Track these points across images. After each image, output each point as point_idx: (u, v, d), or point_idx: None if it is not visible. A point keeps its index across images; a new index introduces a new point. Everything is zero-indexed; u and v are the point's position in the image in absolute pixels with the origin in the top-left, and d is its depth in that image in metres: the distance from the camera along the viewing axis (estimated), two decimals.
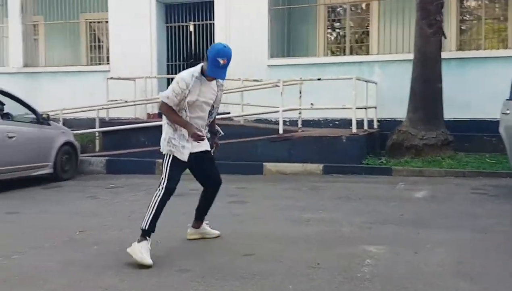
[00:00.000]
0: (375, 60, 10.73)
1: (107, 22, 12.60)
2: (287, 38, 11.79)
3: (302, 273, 3.64)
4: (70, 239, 4.80)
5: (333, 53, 12.72)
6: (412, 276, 3.54)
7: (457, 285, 3.38)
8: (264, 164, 8.80)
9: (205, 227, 4.67)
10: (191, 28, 12.19)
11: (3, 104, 8.11)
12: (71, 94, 12.11)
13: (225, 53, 3.97)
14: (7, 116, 8.05)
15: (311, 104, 9.73)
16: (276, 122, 9.49)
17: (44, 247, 4.54)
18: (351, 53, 11.93)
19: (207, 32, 11.97)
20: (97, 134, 10.90)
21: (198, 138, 4.06)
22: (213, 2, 11.52)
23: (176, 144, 4.05)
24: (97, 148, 10.82)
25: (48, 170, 8.51)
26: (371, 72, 10.54)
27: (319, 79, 9.27)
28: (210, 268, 3.80)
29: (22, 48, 12.99)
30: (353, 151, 8.70)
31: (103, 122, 11.07)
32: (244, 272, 3.69)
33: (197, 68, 4.11)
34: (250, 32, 11.17)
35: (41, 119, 8.49)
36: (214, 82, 4.19)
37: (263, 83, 10.04)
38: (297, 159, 8.75)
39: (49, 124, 8.67)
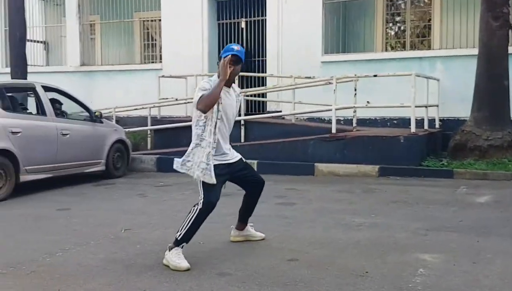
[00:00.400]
0: (437, 56, 10.26)
1: (160, 20, 12.79)
2: (342, 34, 11.52)
3: (348, 282, 3.49)
4: (115, 237, 4.87)
5: (392, 48, 12.35)
6: (469, 288, 3.32)
7: None
8: (315, 164, 8.63)
9: (249, 229, 4.61)
10: (243, 25, 12.16)
11: (61, 103, 8.40)
12: (124, 92, 12.40)
13: (237, 45, 4.13)
14: (62, 114, 8.34)
15: (367, 102, 9.49)
16: (329, 121, 9.29)
17: (89, 244, 4.62)
18: (411, 48, 11.52)
19: (259, 28, 11.90)
20: (148, 132, 11.09)
21: (230, 63, 3.92)
22: None
23: (204, 167, 3.93)
24: (148, 146, 11.02)
25: (100, 167, 8.72)
26: (432, 68, 10.14)
27: (375, 75, 9.01)
28: (251, 272, 3.72)
29: (79, 48, 13.41)
30: (412, 152, 8.36)
31: (155, 120, 11.28)
32: (287, 278, 3.58)
33: (213, 78, 4.10)
34: (303, 28, 11.00)
35: (94, 117, 8.71)
36: (231, 90, 4.16)
37: (315, 81, 9.86)
38: (351, 159, 8.52)
39: (101, 122, 8.89)
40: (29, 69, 11.86)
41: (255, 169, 8.97)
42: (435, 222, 5.17)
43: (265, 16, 11.55)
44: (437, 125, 9.82)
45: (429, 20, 11.71)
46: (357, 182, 7.75)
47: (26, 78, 11.03)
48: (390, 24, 12.44)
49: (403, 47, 11.84)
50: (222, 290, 3.40)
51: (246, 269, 3.79)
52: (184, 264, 3.80)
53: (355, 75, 9.07)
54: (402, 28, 12.39)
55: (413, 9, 12.08)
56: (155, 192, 7.53)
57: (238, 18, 12.16)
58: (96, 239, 4.78)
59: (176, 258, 3.84)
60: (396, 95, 9.13)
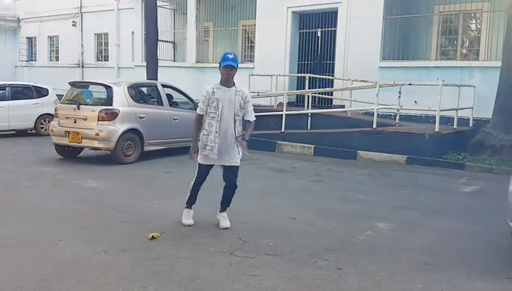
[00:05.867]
0: (475, 66, 10.70)
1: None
2: (401, 44, 12.11)
3: (313, 233, 4.70)
4: None
5: (446, 58, 12.65)
6: (387, 247, 4.35)
7: (413, 257, 4.09)
8: (358, 151, 9.71)
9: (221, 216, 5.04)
10: (319, 34, 13.23)
11: (172, 96, 10.30)
12: None
13: (231, 53, 4.69)
14: (175, 104, 10.24)
15: (415, 102, 10.31)
16: (382, 116, 10.24)
17: (174, 197, 6.08)
18: (463, 59, 11.85)
19: (331, 37, 12.88)
20: None
21: (191, 156, 5.05)
22: (337, 11, 12.41)
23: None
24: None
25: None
26: (471, 76, 10.61)
27: (409, 84, 9.77)
28: (259, 225, 5.10)
29: (195, 48, 15.41)
30: (435, 147, 9.13)
31: None
32: (277, 228, 4.81)
33: (216, 82, 4.80)
34: (366, 38, 11.84)
35: (197, 106, 10.51)
36: (233, 89, 4.75)
37: (365, 84, 10.80)
38: (386, 149, 9.47)
39: None
40: (160, 63, 13.99)
41: (312, 153, 10.30)
42: (411, 202, 6.11)
43: (336, 27, 12.52)
44: (470, 125, 10.31)
45: (479, 33, 11.90)
46: (384, 168, 8.71)
47: (156, 72, 13.12)
48: (444, 36, 12.67)
49: (455, 57, 12.17)
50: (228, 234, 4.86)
51: (257, 222, 5.12)
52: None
53: (394, 82, 9.90)
54: (454, 40, 12.61)
55: (465, 23, 12.30)
56: None
57: (315, 28, 13.24)
58: (180, 194, 6.34)
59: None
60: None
